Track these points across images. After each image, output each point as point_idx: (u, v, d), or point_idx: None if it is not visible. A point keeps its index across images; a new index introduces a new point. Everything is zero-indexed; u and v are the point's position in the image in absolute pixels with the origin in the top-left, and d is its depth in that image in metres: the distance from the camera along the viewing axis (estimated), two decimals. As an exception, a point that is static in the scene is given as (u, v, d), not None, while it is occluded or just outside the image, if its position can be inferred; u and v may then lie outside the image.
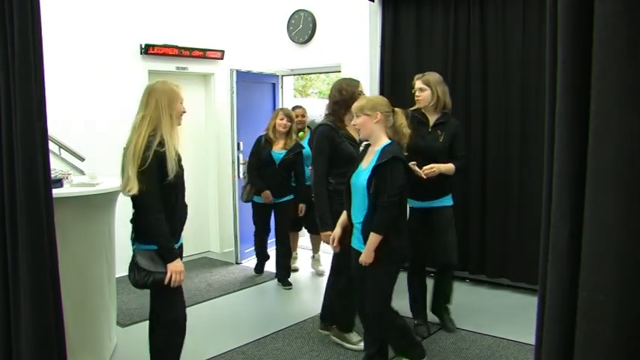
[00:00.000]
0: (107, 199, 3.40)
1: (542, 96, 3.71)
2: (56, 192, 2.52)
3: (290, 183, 5.05)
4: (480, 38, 4.72)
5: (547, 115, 1.34)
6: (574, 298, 1.18)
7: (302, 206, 5.08)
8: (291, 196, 5.03)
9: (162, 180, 2.65)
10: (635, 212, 1.08)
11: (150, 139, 2.64)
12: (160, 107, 2.71)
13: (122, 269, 4.52)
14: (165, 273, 2.69)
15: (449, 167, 3.66)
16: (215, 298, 4.76)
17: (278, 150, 4.91)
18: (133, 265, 2.74)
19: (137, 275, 2.72)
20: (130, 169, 2.63)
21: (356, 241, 3.12)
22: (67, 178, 3.39)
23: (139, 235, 2.77)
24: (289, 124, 4.90)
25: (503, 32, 4.63)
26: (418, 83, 3.78)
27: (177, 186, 2.78)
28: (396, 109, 3.14)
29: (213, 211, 6.29)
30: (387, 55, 5.23)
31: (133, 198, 2.71)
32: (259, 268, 5.38)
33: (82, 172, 4.56)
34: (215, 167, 6.28)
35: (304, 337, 3.86)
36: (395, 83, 5.21)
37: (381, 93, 5.26)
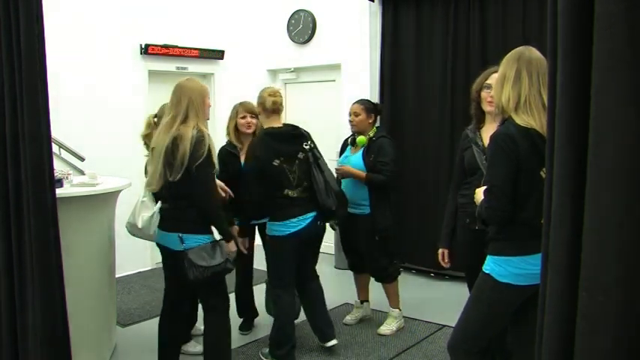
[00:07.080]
0: (107, 199, 3.40)
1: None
2: (56, 192, 2.52)
3: None
4: (479, 38, 4.72)
5: (547, 114, 1.34)
6: (574, 299, 1.18)
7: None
8: None
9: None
10: (635, 212, 1.08)
11: (198, 136, 2.73)
12: (195, 105, 2.79)
13: (122, 269, 4.55)
14: (219, 265, 2.83)
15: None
16: (215, 298, 4.75)
17: None
18: (190, 264, 2.81)
19: (196, 272, 2.80)
20: (161, 166, 2.75)
21: None
22: (67, 178, 3.39)
23: (187, 228, 2.82)
24: (254, 121, 3.63)
25: (503, 32, 4.63)
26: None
27: None
28: None
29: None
30: (387, 55, 5.22)
31: (184, 190, 2.77)
32: (246, 325, 4.01)
33: (82, 172, 4.56)
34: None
35: (304, 337, 3.85)
36: (395, 83, 5.21)
37: (381, 93, 5.27)
